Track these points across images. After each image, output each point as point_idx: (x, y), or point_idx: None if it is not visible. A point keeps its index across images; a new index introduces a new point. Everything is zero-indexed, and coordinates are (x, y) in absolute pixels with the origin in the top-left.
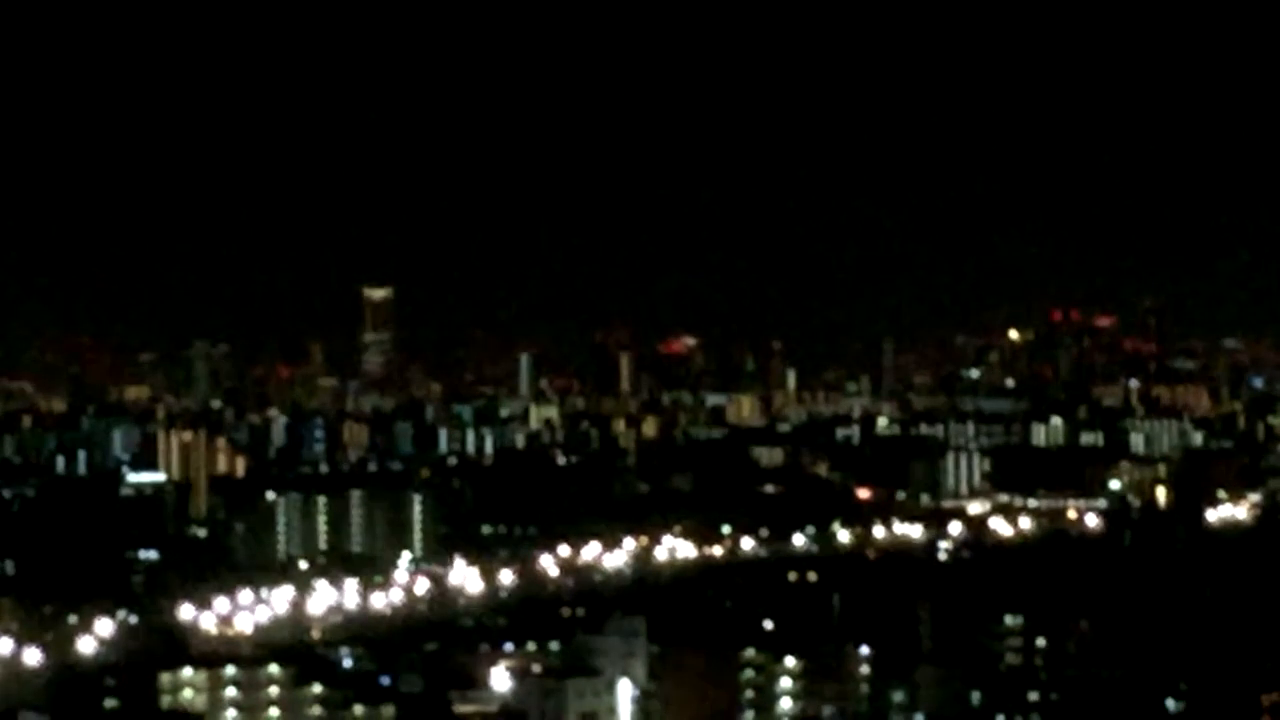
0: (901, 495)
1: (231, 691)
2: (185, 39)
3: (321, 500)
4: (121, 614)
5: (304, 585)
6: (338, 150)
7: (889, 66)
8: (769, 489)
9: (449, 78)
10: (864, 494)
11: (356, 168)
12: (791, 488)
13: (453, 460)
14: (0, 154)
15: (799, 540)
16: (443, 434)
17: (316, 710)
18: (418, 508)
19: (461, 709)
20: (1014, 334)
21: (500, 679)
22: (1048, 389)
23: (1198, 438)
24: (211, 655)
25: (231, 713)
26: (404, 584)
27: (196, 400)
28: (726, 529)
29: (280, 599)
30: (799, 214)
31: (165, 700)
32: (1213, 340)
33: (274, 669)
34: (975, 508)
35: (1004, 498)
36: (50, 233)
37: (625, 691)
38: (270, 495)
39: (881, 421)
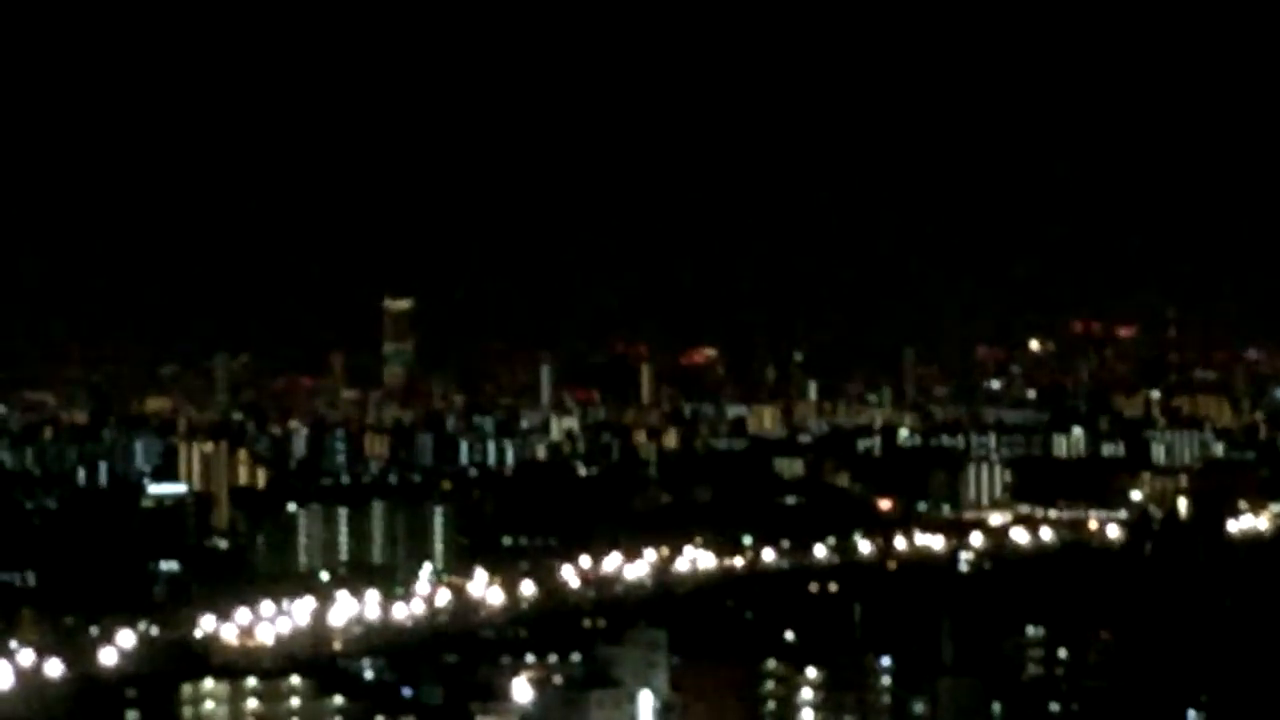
0: (922, 506)
1: (253, 703)
2: (207, 49)
3: (342, 512)
4: (142, 625)
5: (325, 596)
6: (359, 162)
7: (910, 76)
8: (790, 500)
9: (470, 88)
10: (885, 505)
11: (377, 179)
12: (812, 499)
13: (474, 471)
14: (21, 165)
15: (820, 551)
16: (464, 445)
17: None
18: (439, 519)
19: None
20: (1035, 344)
21: (521, 690)
22: (1069, 400)
23: (1219, 448)
24: (233, 666)
25: None
26: (425, 595)
27: (217, 412)
28: (747, 540)
29: (301, 610)
30: (819, 225)
31: (186, 712)
32: (1234, 351)
33: (295, 680)
34: (996, 518)
35: (1025, 508)
36: (71, 244)
37: (646, 703)
38: (291, 507)
39: (902, 432)
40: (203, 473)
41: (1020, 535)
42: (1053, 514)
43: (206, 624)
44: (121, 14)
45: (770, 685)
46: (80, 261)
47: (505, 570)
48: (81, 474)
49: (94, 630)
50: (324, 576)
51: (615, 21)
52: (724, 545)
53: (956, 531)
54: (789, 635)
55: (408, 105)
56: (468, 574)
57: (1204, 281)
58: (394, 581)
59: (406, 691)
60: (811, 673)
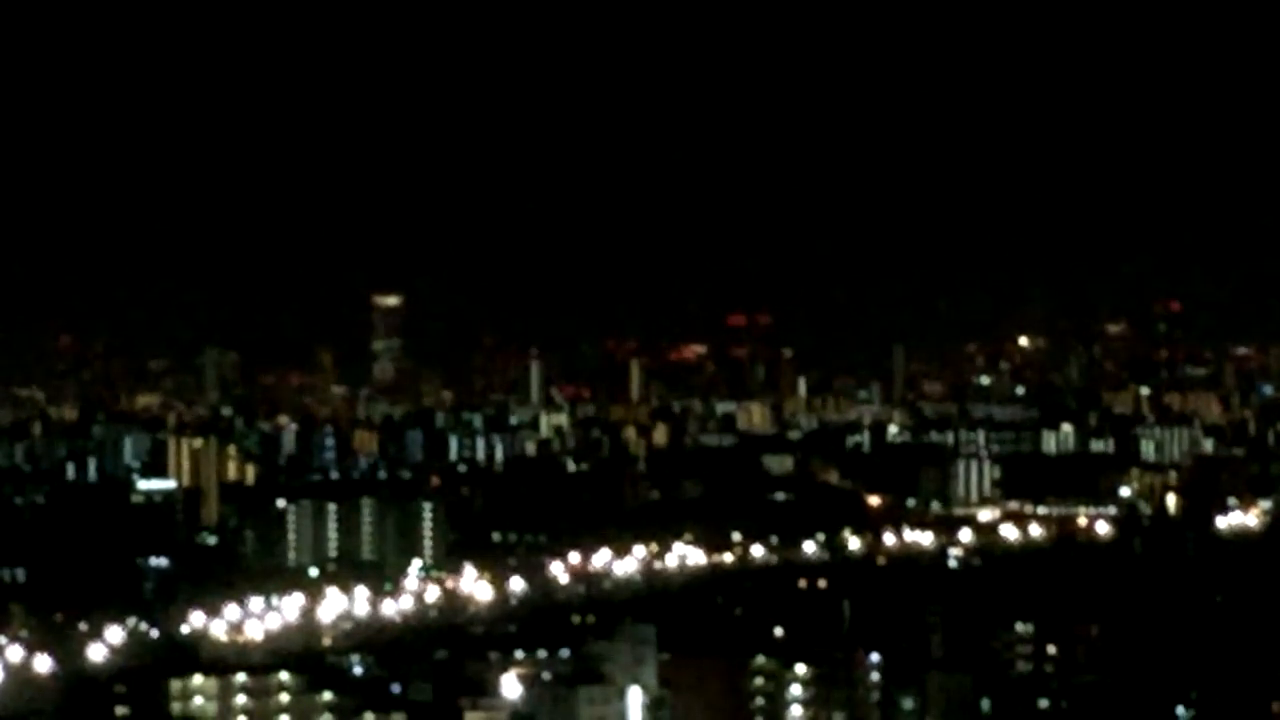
0: (912, 502)
1: (242, 699)
2: (198, 49)
3: (332, 507)
4: (132, 621)
5: (314, 593)
6: (347, 157)
7: (897, 73)
8: (779, 496)
9: (459, 84)
10: (874, 501)
11: (367, 174)
12: (802, 495)
13: (463, 468)
14: (9, 161)
15: (809, 547)
16: (453, 441)
17: (327, 718)
18: (428, 515)
19: (471, 716)
20: (1024, 341)
21: (510, 686)
22: (1058, 396)
23: (1208, 445)
24: (222, 663)
25: None
26: (414, 591)
27: (206, 408)
28: (737, 536)
29: (290, 606)
30: (808, 221)
31: (175, 708)
32: (1223, 347)
33: (284, 676)
34: (986, 515)
35: (1014, 505)
36: (60, 240)
37: (635, 699)
38: (280, 503)
39: (892, 429)
40: (192, 469)
41: (1010, 531)
42: (1042, 510)
43: (195, 620)
44: (117, 13)
45: (759, 681)
46: (69, 258)
47: (494, 566)
48: (71, 470)
49: (83, 626)
50: (313, 572)
51: (608, 21)
52: (713, 541)
53: (946, 528)
54: (778, 631)
55: (397, 102)
56: (457, 570)
57: (1193, 278)
58: (383, 577)
59: (395, 687)
60: (801, 669)
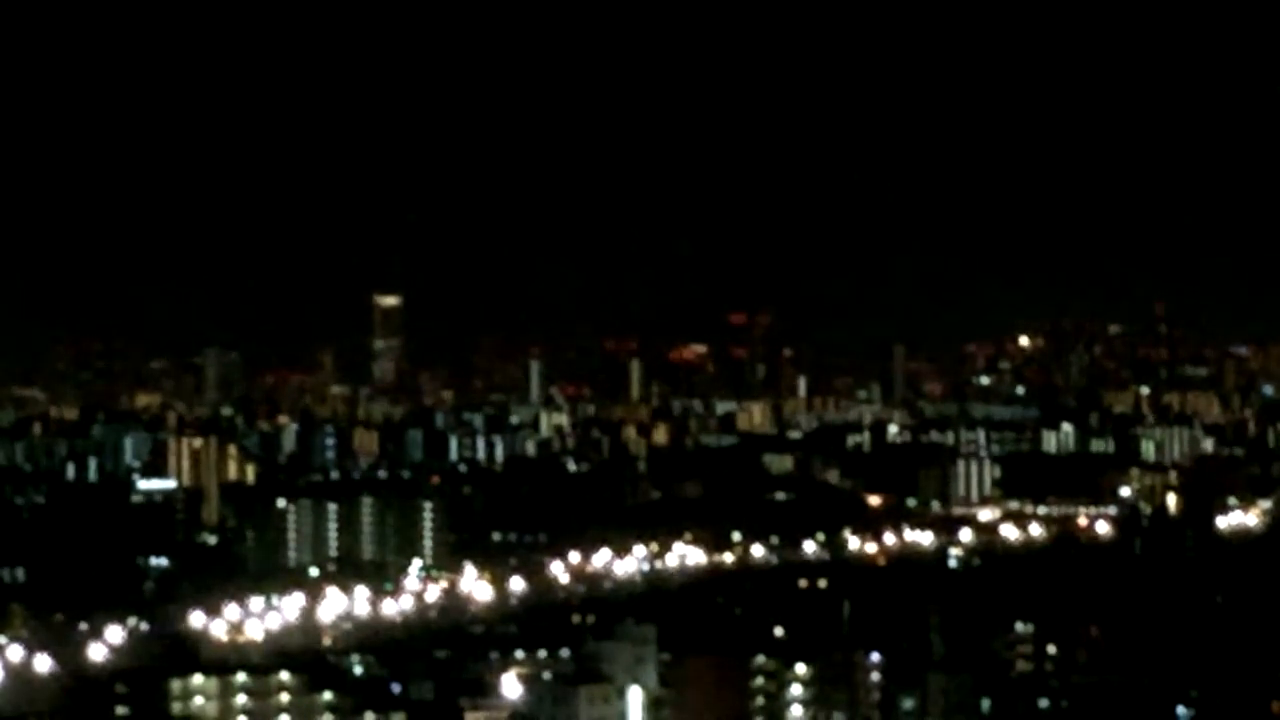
0: (912, 502)
1: (242, 699)
2: (200, 49)
3: (332, 507)
4: (132, 621)
5: (314, 592)
6: (348, 157)
7: (897, 72)
8: (779, 496)
9: (459, 84)
10: (874, 501)
11: (366, 175)
12: (802, 495)
13: (463, 467)
14: (10, 161)
15: (809, 547)
16: (453, 441)
17: (327, 717)
18: (428, 515)
19: (472, 716)
20: (1025, 341)
21: (511, 686)
22: (1058, 396)
23: (1208, 445)
24: (222, 662)
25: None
26: (415, 591)
27: (207, 407)
28: (737, 536)
29: (291, 606)
30: (809, 221)
31: (175, 707)
32: (1223, 347)
33: (285, 676)
34: (986, 514)
35: (1015, 505)
36: (61, 240)
37: (636, 698)
38: (281, 502)
39: (892, 428)
40: (192, 468)
41: (1010, 531)
42: (1042, 510)
43: (196, 619)
44: (120, 13)
45: (760, 681)
46: (70, 258)
47: (495, 566)
48: (71, 470)
49: (83, 626)
50: (313, 572)
51: (610, 21)
52: (713, 541)
53: (946, 527)
54: (778, 631)
55: (396, 102)
56: (457, 570)
57: (1193, 278)
58: (383, 577)
59: (396, 687)
60: (801, 669)
